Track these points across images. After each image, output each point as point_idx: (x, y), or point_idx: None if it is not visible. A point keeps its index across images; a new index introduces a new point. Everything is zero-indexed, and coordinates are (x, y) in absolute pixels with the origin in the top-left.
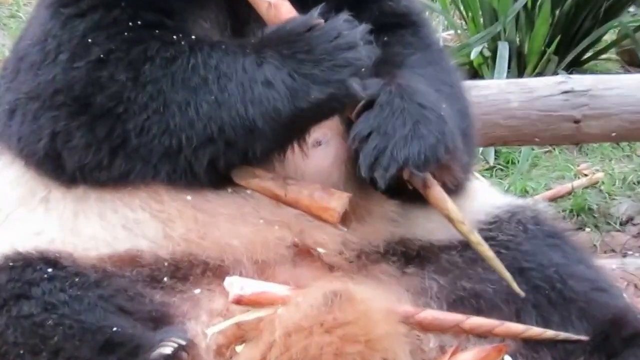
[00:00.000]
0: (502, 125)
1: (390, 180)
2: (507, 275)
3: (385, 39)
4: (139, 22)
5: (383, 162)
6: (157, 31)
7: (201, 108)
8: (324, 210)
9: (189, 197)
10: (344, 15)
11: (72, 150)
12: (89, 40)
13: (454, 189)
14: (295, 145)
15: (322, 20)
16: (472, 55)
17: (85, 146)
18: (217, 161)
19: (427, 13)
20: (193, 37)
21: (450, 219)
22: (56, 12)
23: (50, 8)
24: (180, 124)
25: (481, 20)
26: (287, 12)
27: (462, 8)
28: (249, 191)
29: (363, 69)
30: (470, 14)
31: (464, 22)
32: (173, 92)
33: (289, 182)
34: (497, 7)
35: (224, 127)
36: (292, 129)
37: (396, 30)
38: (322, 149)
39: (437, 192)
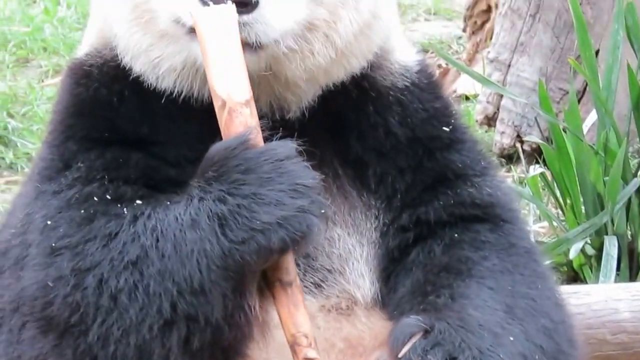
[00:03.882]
0: (609, 342)
1: None
2: None
3: (455, 235)
4: (109, 196)
5: None
6: (118, 205)
7: (148, 286)
8: None
9: None
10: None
11: None
12: (49, 225)
13: None
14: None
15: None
16: (572, 254)
17: None
18: (188, 345)
19: (517, 203)
20: (138, 202)
21: None
22: (36, 190)
23: (32, 183)
24: (134, 316)
25: (583, 209)
26: (240, 124)
27: (558, 194)
28: None
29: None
30: (568, 201)
31: (560, 212)
32: (115, 276)
33: None
34: (604, 192)
35: (175, 300)
36: (233, 274)
37: (471, 224)
38: None
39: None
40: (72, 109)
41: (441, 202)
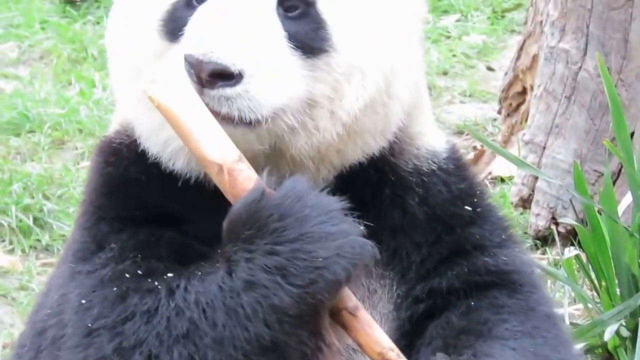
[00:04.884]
0: None
1: None
2: None
3: (472, 303)
4: (140, 272)
5: None
6: (149, 280)
7: (206, 355)
8: None
9: None
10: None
11: None
12: (84, 304)
13: None
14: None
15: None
16: (606, 336)
17: None
18: None
19: (538, 273)
20: (169, 274)
21: None
22: (71, 270)
23: (66, 265)
24: None
25: (618, 290)
26: (244, 180)
27: (593, 276)
28: None
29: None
30: (603, 283)
31: (595, 294)
32: (166, 351)
33: None
34: (639, 274)
35: None
36: (308, 318)
37: (488, 291)
38: None
39: None
40: (102, 189)
41: (454, 272)
